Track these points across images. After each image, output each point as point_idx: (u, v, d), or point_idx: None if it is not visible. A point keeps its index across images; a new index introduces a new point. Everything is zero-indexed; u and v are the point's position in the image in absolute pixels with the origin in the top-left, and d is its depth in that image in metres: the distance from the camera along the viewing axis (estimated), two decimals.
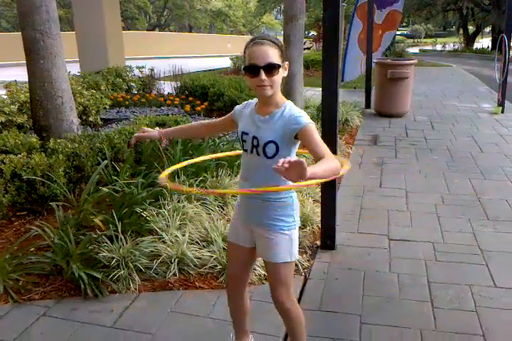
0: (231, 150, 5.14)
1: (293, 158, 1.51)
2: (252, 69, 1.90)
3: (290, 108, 1.99)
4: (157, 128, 2.39)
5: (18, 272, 3.17)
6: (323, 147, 1.88)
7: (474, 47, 36.45)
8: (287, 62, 1.99)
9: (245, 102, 2.19)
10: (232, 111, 2.22)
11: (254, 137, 2.02)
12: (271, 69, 1.89)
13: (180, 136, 2.54)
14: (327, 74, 3.49)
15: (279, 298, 2.17)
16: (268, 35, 1.98)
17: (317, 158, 1.84)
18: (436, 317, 2.88)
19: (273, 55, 1.89)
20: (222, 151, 5.01)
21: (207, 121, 2.43)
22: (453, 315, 2.90)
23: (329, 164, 1.76)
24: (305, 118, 1.94)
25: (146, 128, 2.38)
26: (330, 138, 3.58)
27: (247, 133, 2.05)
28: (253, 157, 2.04)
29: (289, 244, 2.10)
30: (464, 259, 3.60)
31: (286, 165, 1.49)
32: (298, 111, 1.97)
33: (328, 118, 3.57)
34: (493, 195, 4.95)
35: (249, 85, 1.99)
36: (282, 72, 1.96)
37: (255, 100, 2.12)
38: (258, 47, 1.90)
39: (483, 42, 40.89)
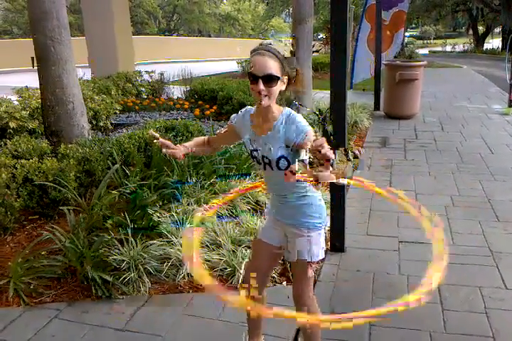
0: (240, 154, 5.16)
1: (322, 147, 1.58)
2: (252, 76, 1.94)
3: (287, 117, 2.01)
4: (179, 146, 2.22)
5: (30, 275, 3.20)
6: None
7: (484, 47, 36.19)
8: (286, 77, 2.01)
9: (239, 114, 2.20)
10: (230, 122, 2.23)
11: (263, 156, 2.07)
12: (269, 80, 1.93)
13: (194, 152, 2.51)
14: (335, 77, 3.49)
15: (303, 296, 2.23)
16: (271, 47, 1.99)
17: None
18: (446, 319, 2.88)
19: (272, 67, 1.93)
20: (231, 154, 5.04)
21: (207, 138, 2.38)
22: (463, 317, 2.89)
23: None
24: (306, 126, 1.97)
25: (172, 148, 2.19)
26: (339, 141, 3.60)
27: (256, 150, 2.10)
28: (268, 171, 2.11)
29: (321, 240, 2.19)
30: (474, 261, 3.58)
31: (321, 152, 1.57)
32: (295, 117, 2.00)
33: (337, 120, 3.58)
34: (503, 196, 4.91)
35: (251, 90, 2.01)
36: (280, 85, 1.99)
37: (248, 112, 2.15)
38: (259, 58, 1.94)
39: (494, 42, 40.60)
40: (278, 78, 1.95)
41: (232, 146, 5.35)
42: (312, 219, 2.14)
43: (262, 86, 1.92)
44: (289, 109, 2.06)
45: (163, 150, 2.16)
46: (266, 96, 1.95)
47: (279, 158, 2.01)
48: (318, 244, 2.17)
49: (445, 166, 6.02)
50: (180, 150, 2.19)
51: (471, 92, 12.72)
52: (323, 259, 3.63)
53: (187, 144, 2.28)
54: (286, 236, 2.23)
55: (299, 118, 2.01)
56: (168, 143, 2.18)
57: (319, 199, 2.19)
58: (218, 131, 2.33)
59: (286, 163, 2.02)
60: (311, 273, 2.23)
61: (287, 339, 2.68)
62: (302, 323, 2.31)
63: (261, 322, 2.50)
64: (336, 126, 3.59)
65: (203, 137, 2.40)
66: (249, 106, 2.19)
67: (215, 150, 2.52)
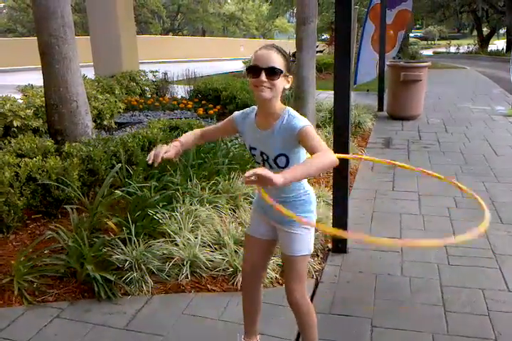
0: (243, 155, 5.15)
1: (258, 170, 1.61)
2: (254, 70, 1.93)
3: (288, 115, 2.00)
4: (170, 144, 2.14)
5: (33, 274, 3.21)
6: (318, 142, 1.87)
7: (489, 49, 36.08)
8: (291, 76, 2.01)
9: (244, 111, 2.19)
10: (232, 118, 2.20)
11: (262, 152, 2.08)
12: (272, 72, 1.91)
13: (188, 148, 2.46)
14: (339, 78, 3.49)
15: (294, 292, 2.22)
16: (277, 45, 2.01)
17: (312, 154, 1.87)
18: (448, 321, 2.87)
19: (277, 61, 1.92)
20: (234, 154, 5.05)
21: (204, 129, 2.34)
22: (465, 319, 2.89)
23: (312, 162, 1.78)
24: (301, 121, 1.95)
25: (162, 149, 2.08)
26: (342, 142, 3.60)
27: (254, 148, 2.11)
28: (266, 168, 2.07)
29: (308, 237, 2.19)
30: (477, 263, 3.57)
31: (253, 178, 1.61)
32: (293, 117, 1.98)
33: (340, 121, 3.58)
34: (507, 198, 4.90)
35: (250, 86, 2.01)
36: (284, 81, 1.97)
37: (254, 110, 2.13)
38: (264, 51, 1.94)
39: (498, 44, 40.48)
40: (281, 72, 1.93)
41: (234, 147, 5.36)
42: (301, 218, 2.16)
43: (264, 77, 1.90)
44: (290, 108, 2.04)
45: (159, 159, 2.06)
46: (268, 88, 1.93)
47: (278, 156, 2.02)
48: (305, 241, 2.18)
49: (448, 167, 6.01)
50: (172, 152, 2.11)
51: (474, 94, 12.69)
52: (325, 260, 3.64)
53: (183, 140, 2.20)
54: (275, 229, 2.26)
55: (296, 116, 1.99)
56: (161, 151, 2.07)
57: (312, 197, 2.20)
58: (214, 126, 2.33)
59: (285, 160, 2.02)
60: (301, 268, 2.22)
61: (287, 340, 2.68)
62: (300, 323, 2.33)
63: (257, 320, 2.50)
64: (339, 127, 3.59)
65: (193, 132, 2.31)
66: (255, 107, 2.18)
67: (207, 141, 2.47)
